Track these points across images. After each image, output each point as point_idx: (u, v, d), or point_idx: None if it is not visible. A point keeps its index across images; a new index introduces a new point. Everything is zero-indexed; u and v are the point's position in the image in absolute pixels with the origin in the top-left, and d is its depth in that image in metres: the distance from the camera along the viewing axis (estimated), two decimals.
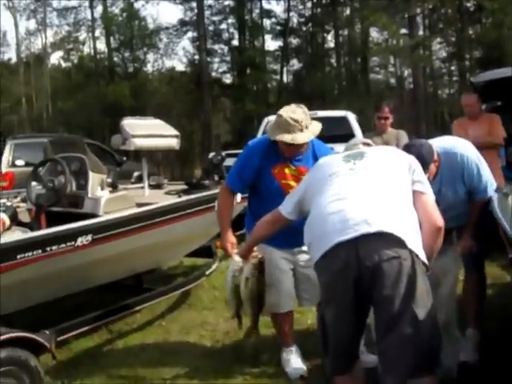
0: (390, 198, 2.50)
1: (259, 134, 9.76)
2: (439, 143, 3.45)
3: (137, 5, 28.52)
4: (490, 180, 3.55)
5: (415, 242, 2.41)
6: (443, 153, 3.38)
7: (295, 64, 30.15)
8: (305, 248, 3.46)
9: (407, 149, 3.17)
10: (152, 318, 5.05)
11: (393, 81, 31.56)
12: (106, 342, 4.58)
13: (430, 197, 2.64)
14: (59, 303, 4.32)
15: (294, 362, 3.79)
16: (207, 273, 5.39)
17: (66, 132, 19.96)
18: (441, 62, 30.54)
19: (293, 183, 3.46)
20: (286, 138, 3.34)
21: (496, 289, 5.16)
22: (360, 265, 2.35)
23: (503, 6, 20.47)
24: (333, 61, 29.17)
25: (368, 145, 3.12)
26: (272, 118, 9.96)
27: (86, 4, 28.62)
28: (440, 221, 2.54)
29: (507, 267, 5.71)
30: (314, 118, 3.54)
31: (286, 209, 2.92)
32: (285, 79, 29.61)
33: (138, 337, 4.68)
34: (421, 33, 25.22)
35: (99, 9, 28.54)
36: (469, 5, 25.70)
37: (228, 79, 29.95)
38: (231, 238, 3.57)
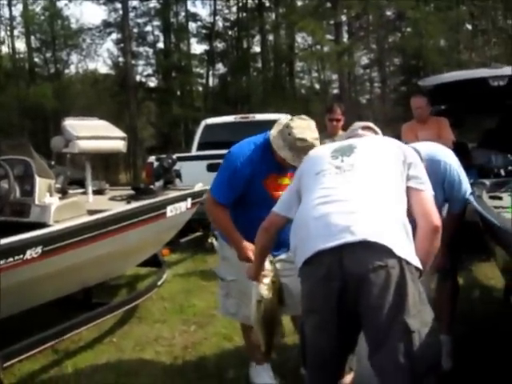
0: (378, 201, 2.31)
1: (197, 138, 9.55)
2: (420, 149, 3.33)
3: (59, 4, 27.48)
4: (468, 189, 3.50)
5: (404, 248, 2.23)
6: (426, 159, 3.26)
7: (221, 68, 30.06)
8: (283, 256, 3.29)
9: None
10: (100, 335, 4.68)
11: (317, 86, 31.98)
12: (53, 363, 4.17)
13: (426, 194, 2.45)
14: (4, 323, 3.87)
15: (265, 378, 3.57)
16: (159, 283, 5.09)
17: None
18: (362, 69, 31.34)
19: None
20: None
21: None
22: (344, 273, 2.18)
23: (425, 15, 21.16)
24: (259, 65, 29.23)
25: (368, 128, 2.92)
26: (210, 120, 9.92)
27: (5, 1, 27.29)
28: (437, 220, 2.38)
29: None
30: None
31: (282, 208, 2.68)
32: (211, 83, 29.43)
33: (88, 356, 4.30)
34: (345, 39, 25.66)
35: (19, 7, 27.33)
36: (389, 13, 26.44)
37: (153, 82, 29.48)
38: (250, 245, 3.15)
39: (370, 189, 2.34)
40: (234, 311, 3.51)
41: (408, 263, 2.20)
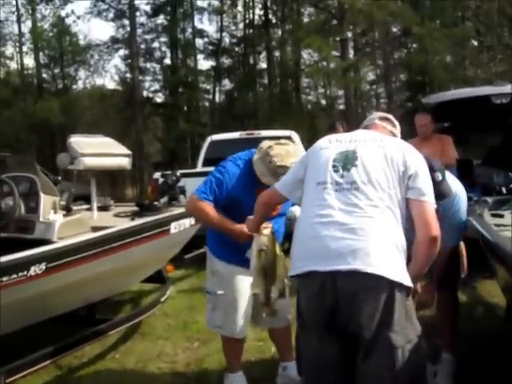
0: (373, 225, 2.35)
1: (202, 154, 9.64)
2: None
3: (68, 20, 27.76)
4: (463, 225, 3.47)
5: (396, 271, 2.30)
6: None
7: (227, 84, 30.22)
8: None
9: None
10: (103, 351, 4.69)
11: (324, 102, 32.09)
12: (56, 379, 4.20)
13: (426, 205, 2.45)
14: (7, 339, 3.90)
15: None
16: (162, 299, 5.11)
17: None
18: (369, 85, 31.45)
19: None
20: None
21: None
22: (336, 291, 2.29)
23: (430, 32, 21.23)
24: (265, 81, 29.38)
25: (386, 119, 2.92)
26: (216, 137, 9.99)
27: (14, 18, 27.63)
28: (435, 230, 2.41)
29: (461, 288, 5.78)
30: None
31: (284, 189, 2.75)
32: (217, 99, 29.57)
33: (90, 372, 4.32)
34: (351, 56, 25.79)
35: (28, 23, 27.66)
36: (395, 30, 26.58)
37: (160, 98, 29.63)
38: (243, 226, 3.24)
39: (366, 212, 2.38)
40: (220, 324, 3.58)
41: (398, 285, 2.28)
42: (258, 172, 3.36)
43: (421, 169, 2.52)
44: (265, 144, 3.39)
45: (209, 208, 3.36)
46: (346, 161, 2.54)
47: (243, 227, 3.22)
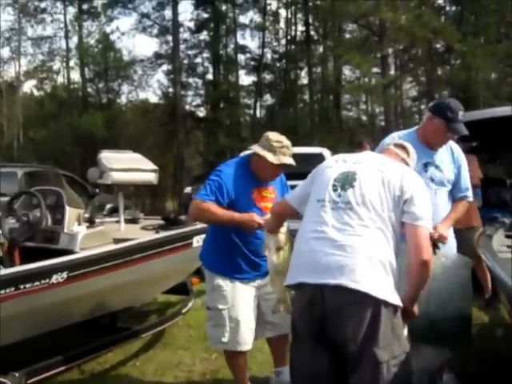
0: (363, 244, 2.46)
1: None
2: None
3: (112, 36, 28.63)
4: None
5: (382, 288, 2.40)
6: None
7: (268, 99, 30.46)
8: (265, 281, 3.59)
9: None
10: (125, 358, 4.87)
11: (364, 118, 32.02)
12: (78, 383, 4.40)
13: (419, 229, 2.53)
14: (30, 343, 4.11)
15: None
16: (184, 311, 5.26)
17: (36, 162, 19.65)
18: (411, 101, 31.21)
19: (269, 204, 3.54)
20: (289, 160, 3.51)
21: (475, 330, 5.13)
22: (324, 304, 2.40)
23: (472, 48, 21.02)
24: (306, 97, 29.51)
25: (401, 147, 3.02)
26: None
27: (62, 34, 28.64)
28: (427, 254, 2.49)
29: (484, 308, 5.75)
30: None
31: (295, 201, 2.90)
32: (258, 114, 29.82)
33: (111, 378, 4.51)
34: (392, 72, 25.71)
35: (74, 39, 28.61)
36: (438, 46, 26.39)
37: (202, 112, 30.06)
38: (252, 214, 3.44)
39: (356, 231, 2.49)
40: (225, 340, 3.62)
41: (384, 302, 2.37)
42: (257, 150, 3.54)
43: (417, 194, 2.60)
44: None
45: (213, 207, 3.45)
46: (345, 181, 2.66)
47: (252, 214, 3.41)
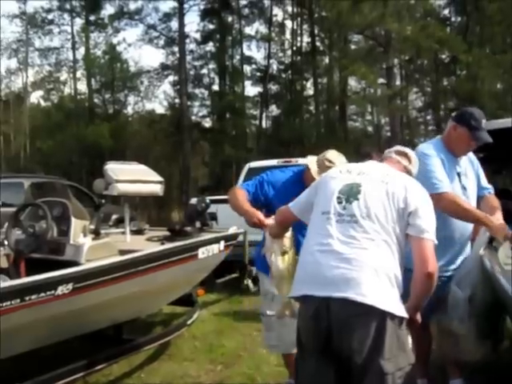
0: (368, 256, 2.45)
1: (240, 181, 9.79)
2: None
3: (119, 47, 28.91)
4: None
5: (387, 301, 2.39)
6: None
7: (274, 110, 30.59)
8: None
9: None
10: (130, 370, 4.85)
11: (370, 129, 32.04)
12: None
13: (424, 241, 2.52)
14: (35, 354, 4.11)
15: None
16: (189, 322, 5.24)
17: (43, 172, 19.73)
18: (417, 112, 31.20)
19: None
20: None
21: None
22: (330, 317, 2.39)
23: (477, 59, 21.05)
24: (311, 108, 29.57)
25: (403, 154, 3.00)
26: (253, 164, 10.15)
27: (69, 45, 28.90)
28: (431, 267, 2.48)
29: None
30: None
31: (297, 210, 2.90)
32: (264, 125, 29.95)
33: None
34: (398, 83, 25.74)
35: (81, 50, 28.84)
36: (444, 56, 26.44)
37: (207, 123, 30.19)
38: (258, 212, 3.43)
39: (361, 244, 2.49)
40: (275, 343, 3.77)
41: (389, 314, 2.37)
42: (310, 165, 3.60)
43: (422, 206, 2.59)
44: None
45: (241, 194, 3.58)
46: (350, 193, 2.65)
47: (256, 212, 3.41)
